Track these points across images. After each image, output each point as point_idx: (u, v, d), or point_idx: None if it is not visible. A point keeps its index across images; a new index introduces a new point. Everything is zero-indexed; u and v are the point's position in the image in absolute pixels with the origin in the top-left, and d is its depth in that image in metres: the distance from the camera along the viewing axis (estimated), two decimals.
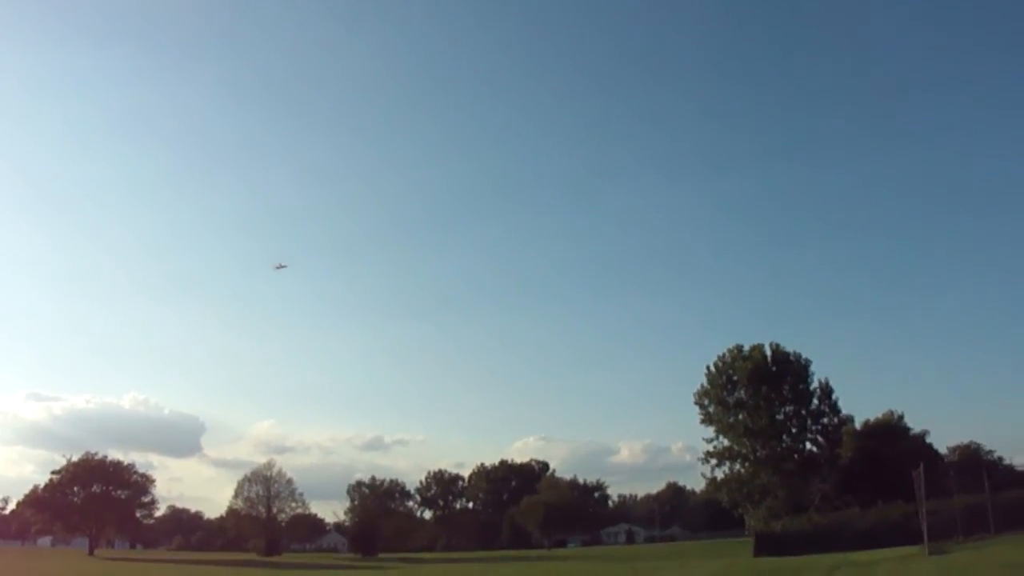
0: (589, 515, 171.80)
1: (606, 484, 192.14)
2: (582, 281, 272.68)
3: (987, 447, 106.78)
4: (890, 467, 68.37)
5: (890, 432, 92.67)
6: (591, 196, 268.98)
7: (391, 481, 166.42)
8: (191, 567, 74.84)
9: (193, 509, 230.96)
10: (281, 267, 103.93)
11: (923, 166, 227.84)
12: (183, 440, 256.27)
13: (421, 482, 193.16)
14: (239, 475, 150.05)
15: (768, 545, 59.49)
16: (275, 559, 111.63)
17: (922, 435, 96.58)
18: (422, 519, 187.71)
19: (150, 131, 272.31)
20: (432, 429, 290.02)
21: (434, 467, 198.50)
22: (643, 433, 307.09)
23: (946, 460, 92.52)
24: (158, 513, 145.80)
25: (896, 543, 46.91)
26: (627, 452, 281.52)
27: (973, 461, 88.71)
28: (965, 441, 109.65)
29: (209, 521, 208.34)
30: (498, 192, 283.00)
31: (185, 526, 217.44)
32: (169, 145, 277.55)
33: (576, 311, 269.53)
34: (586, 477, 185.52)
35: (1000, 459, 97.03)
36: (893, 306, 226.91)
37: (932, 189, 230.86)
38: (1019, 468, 73.86)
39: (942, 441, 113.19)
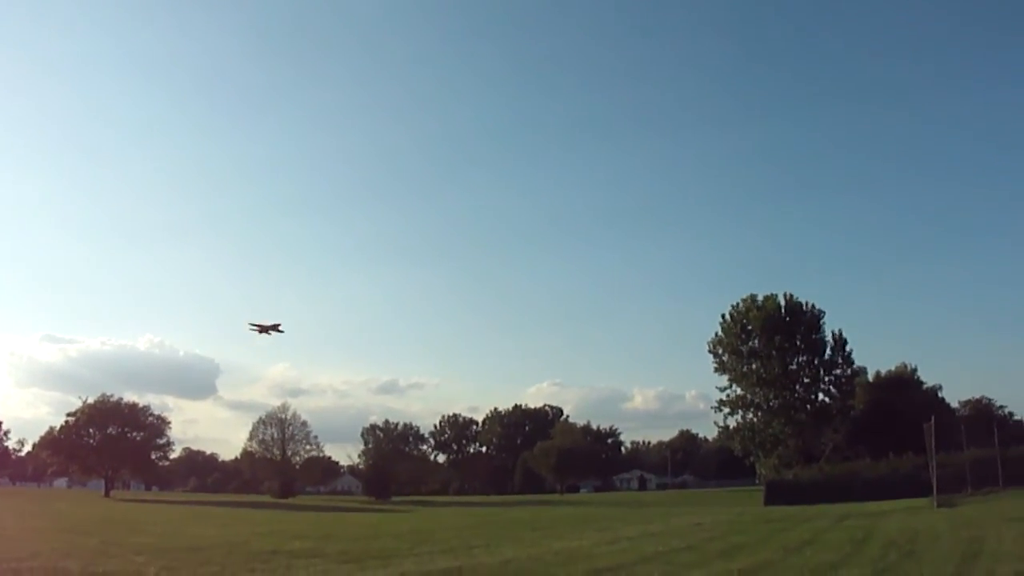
0: (602, 461, 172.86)
1: (619, 430, 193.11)
2: (599, 228, 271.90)
3: (998, 402, 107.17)
4: (902, 420, 68.98)
5: (903, 385, 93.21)
6: (606, 141, 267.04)
7: (405, 425, 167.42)
8: (206, 508, 76.08)
9: (208, 451, 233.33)
10: (267, 330, 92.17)
11: (947, 117, 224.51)
12: (198, 382, 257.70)
13: (435, 426, 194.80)
14: (254, 417, 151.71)
15: (779, 494, 60.30)
16: (289, 501, 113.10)
17: (935, 389, 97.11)
18: (436, 463, 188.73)
19: (169, 72, 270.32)
20: (446, 374, 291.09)
21: (448, 411, 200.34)
22: (657, 380, 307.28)
23: (957, 414, 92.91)
24: (173, 455, 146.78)
25: (906, 495, 47.53)
26: (640, 399, 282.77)
27: (984, 416, 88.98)
28: (977, 396, 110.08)
29: (224, 463, 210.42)
30: (511, 136, 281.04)
31: (200, 468, 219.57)
32: (183, 88, 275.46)
33: (593, 258, 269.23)
34: (599, 423, 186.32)
35: (1011, 414, 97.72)
36: (911, 260, 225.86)
37: (952, 143, 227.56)
38: None
39: (954, 395, 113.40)
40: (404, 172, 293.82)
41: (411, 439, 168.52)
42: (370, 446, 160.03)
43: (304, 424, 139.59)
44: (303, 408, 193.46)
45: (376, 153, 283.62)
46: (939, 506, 38.87)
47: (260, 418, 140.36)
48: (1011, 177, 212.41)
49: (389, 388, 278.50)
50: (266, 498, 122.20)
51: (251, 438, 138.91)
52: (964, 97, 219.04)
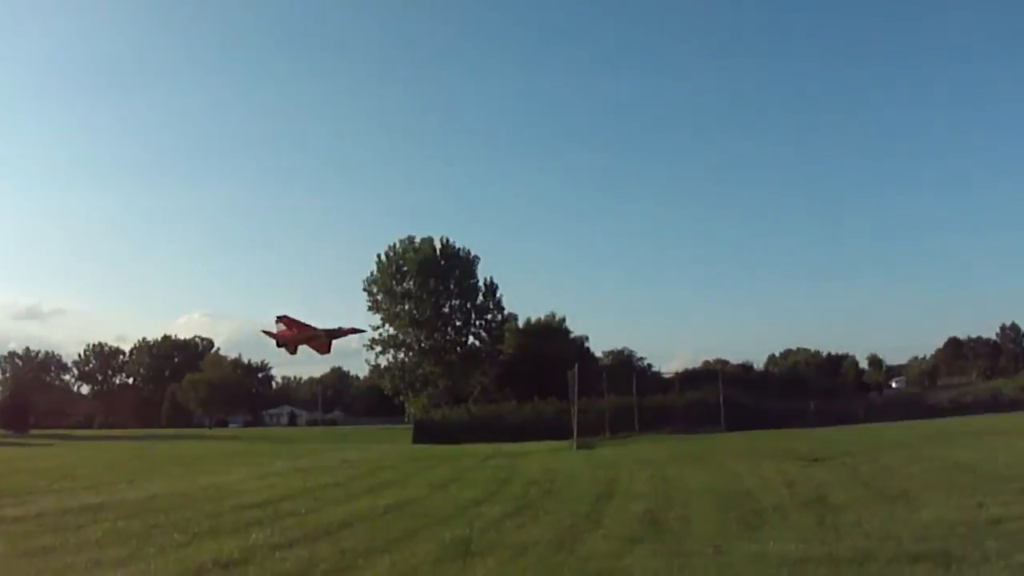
0: (252, 396, 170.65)
1: (270, 365, 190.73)
2: (239, 158, 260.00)
3: (638, 354, 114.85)
4: (549, 366, 72.07)
5: (551, 333, 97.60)
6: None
7: (47, 353, 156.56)
8: None
9: None
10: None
11: (595, 93, 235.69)
12: None
13: (79, 355, 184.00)
14: None
15: (427, 433, 61.43)
16: None
17: (582, 339, 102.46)
18: (79, 394, 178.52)
19: None
20: (94, 299, 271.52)
21: (94, 340, 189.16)
22: (311, 316, 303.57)
23: (600, 363, 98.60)
24: None
25: (549, 437, 49.70)
26: None
27: (625, 366, 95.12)
28: (619, 347, 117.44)
29: None
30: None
31: None
32: None
33: (244, 189, 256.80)
34: (251, 357, 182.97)
35: (649, 366, 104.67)
36: (562, 215, 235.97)
37: (594, 116, 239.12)
38: (665, 375, 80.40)
39: (599, 346, 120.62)
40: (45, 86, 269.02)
41: (53, 369, 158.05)
42: (7, 375, 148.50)
43: None
44: None
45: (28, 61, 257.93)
46: (579, 448, 40.79)
47: None
48: (644, 144, 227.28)
49: (32, 313, 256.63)
50: None
51: None
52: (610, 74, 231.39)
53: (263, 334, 57.13)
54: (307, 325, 51.07)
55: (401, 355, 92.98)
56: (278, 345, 53.26)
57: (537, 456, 36.40)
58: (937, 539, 12.34)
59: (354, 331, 51.50)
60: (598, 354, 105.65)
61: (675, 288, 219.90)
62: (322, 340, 52.55)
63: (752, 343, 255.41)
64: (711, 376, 69.34)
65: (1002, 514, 14.15)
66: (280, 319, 52.77)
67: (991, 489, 17.48)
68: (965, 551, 11.31)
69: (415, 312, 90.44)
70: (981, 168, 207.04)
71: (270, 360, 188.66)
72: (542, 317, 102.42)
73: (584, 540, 13.64)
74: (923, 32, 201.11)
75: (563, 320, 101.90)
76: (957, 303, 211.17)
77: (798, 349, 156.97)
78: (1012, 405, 69.59)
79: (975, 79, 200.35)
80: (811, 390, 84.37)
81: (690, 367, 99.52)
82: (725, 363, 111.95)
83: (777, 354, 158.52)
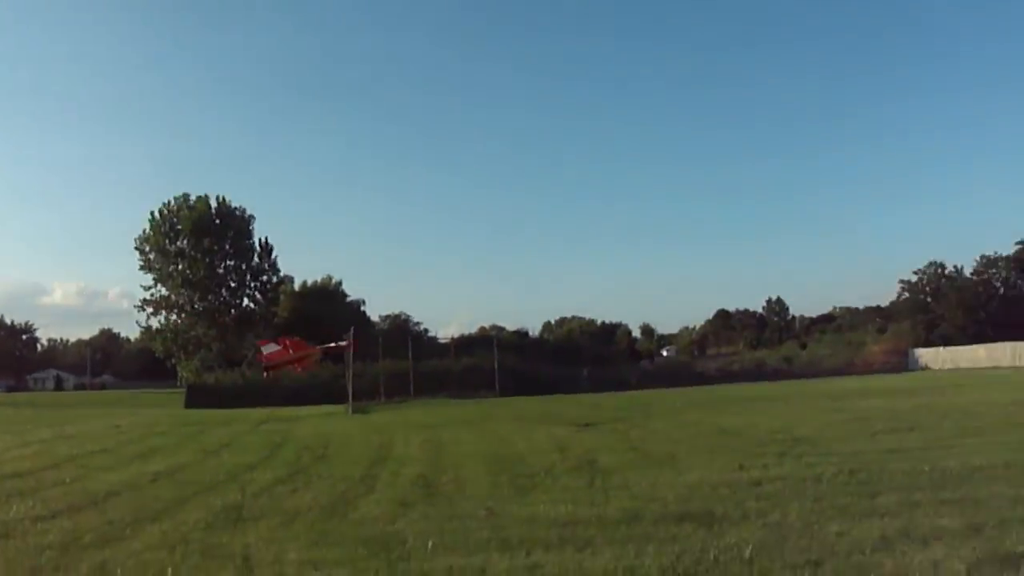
0: (16, 359, 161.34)
1: (35, 327, 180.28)
2: (18, 106, 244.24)
3: (415, 319, 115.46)
4: (324, 329, 71.24)
5: (327, 296, 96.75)
6: None
7: None
8: None
9: None
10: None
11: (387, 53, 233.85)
12: None
13: None
14: None
15: (200, 397, 59.72)
16: None
17: (358, 302, 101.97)
18: None
19: None
20: None
21: None
22: (78, 275, 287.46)
23: (377, 328, 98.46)
24: None
25: (324, 402, 49.26)
26: (60, 294, 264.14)
27: (401, 330, 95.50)
28: (396, 311, 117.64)
29: None
30: None
31: None
32: None
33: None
34: (14, 318, 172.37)
35: (425, 331, 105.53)
36: (351, 180, 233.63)
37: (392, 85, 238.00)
38: (441, 340, 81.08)
39: (376, 310, 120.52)
40: None
41: None
42: None
43: None
44: None
45: None
46: (354, 413, 40.58)
47: None
48: (422, 107, 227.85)
49: None
50: None
51: None
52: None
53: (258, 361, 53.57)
54: (302, 344, 47.31)
55: (174, 317, 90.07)
56: (266, 369, 49.14)
57: (312, 421, 35.92)
58: (700, 500, 12.83)
59: (342, 346, 47.17)
60: (375, 318, 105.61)
61: (454, 254, 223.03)
62: (316, 359, 49.09)
63: (528, 311, 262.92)
64: (487, 342, 70.50)
65: (762, 476, 14.88)
66: (275, 340, 49.08)
67: (752, 452, 18.42)
68: (727, 511, 11.77)
69: (189, 272, 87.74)
70: (737, 147, 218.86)
71: (35, 322, 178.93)
72: (319, 280, 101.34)
73: (357, 505, 13.49)
74: None
75: (340, 283, 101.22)
76: (726, 277, 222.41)
77: (573, 317, 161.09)
78: (775, 374, 74.49)
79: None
80: (585, 357, 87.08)
81: (467, 333, 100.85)
82: (501, 329, 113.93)
83: (553, 321, 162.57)
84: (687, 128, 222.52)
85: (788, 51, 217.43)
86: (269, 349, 46.76)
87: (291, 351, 45.62)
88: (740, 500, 12.62)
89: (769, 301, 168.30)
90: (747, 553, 9.17)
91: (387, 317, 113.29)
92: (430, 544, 10.18)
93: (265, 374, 51.52)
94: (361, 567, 9.07)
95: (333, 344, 48.38)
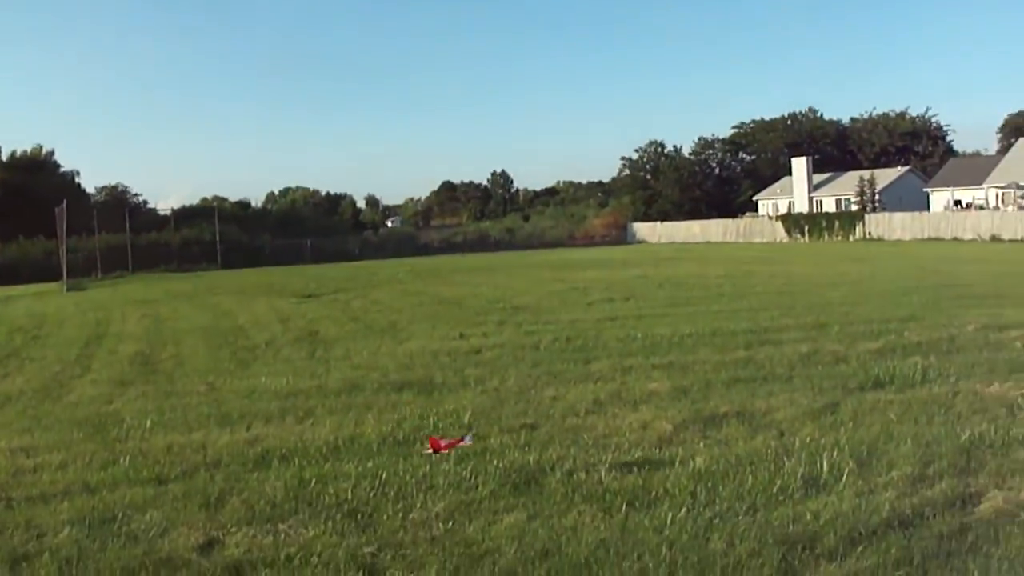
0: None
1: None
2: None
3: (134, 190, 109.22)
4: (36, 203, 66.43)
5: (38, 167, 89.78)
6: None
7: None
8: None
9: None
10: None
11: None
12: None
13: None
14: None
15: None
16: None
17: (72, 174, 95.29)
18: None
19: None
20: None
21: None
22: None
23: (93, 200, 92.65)
24: None
25: (36, 280, 46.35)
26: None
27: (118, 202, 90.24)
28: (113, 183, 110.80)
29: None
30: None
31: None
32: None
33: None
34: None
35: (145, 202, 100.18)
36: (60, 39, 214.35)
37: None
38: (160, 212, 77.38)
39: (91, 182, 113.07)
40: None
41: None
42: None
43: None
44: None
45: None
46: (69, 290, 38.52)
47: None
48: None
49: None
50: None
51: None
52: None
53: None
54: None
55: None
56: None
57: (23, 301, 33.76)
58: (421, 368, 13.13)
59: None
60: (90, 190, 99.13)
61: (173, 122, 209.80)
62: None
63: (251, 181, 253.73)
64: (208, 213, 68.09)
65: (481, 344, 15.33)
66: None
67: (473, 321, 18.99)
68: (446, 378, 12.09)
69: None
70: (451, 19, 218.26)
71: None
72: (28, 150, 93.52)
73: (72, 387, 12.98)
74: None
75: (52, 153, 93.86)
76: (451, 149, 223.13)
77: (297, 188, 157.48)
78: (497, 245, 76.39)
79: None
80: (308, 228, 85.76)
81: (187, 204, 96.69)
82: (224, 200, 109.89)
83: (276, 192, 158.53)
84: None
85: None
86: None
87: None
88: (460, 367, 12.99)
89: (494, 174, 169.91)
90: (466, 418, 9.46)
91: (103, 189, 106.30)
92: (148, 423, 9.98)
93: None
94: (76, 451, 8.76)
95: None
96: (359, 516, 6.36)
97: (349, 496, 6.82)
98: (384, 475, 7.27)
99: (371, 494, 6.85)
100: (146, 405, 11.19)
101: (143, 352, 16.40)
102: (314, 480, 7.26)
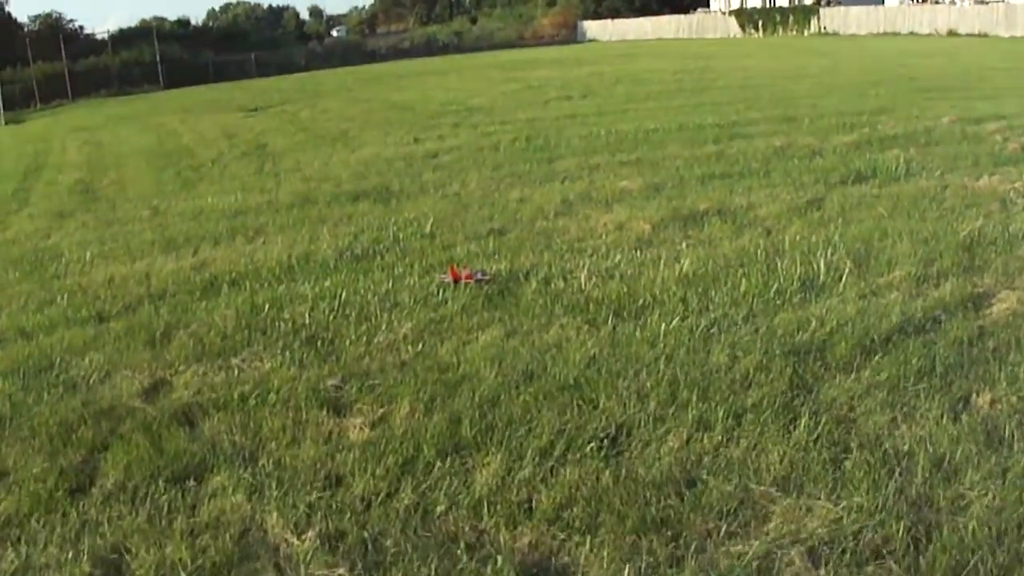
0: None
1: None
2: None
3: (69, 16, 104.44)
4: None
5: None
6: None
7: None
8: None
9: None
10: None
11: None
12: None
13: None
14: None
15: None
16: None
17: (2, 3, 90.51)
18: None
19: None
20: None
21: None
22: None
23: (27, 29, 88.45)
24: None
25: None
26: None
27: (53, 30, 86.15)
28: (47, 11, 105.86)
29: None
30: None
31: None
32: None
33: None
34: None
35: (81, 28, 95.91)
36: None
37: None
38: (98, 36, 73.71)
39: (23, 11, 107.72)
40: None
41: None
42: None
43: None
44: None
45: None
46: (7, 123, 36.81)
47: None
48: None
49: None
50: None
51: None
52: None
53: None
54: None
55: None
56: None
57: None
58: (376, 176, 12.33)
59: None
60: (23, 20, 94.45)
61: None
62: None
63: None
64: (147, 34, 65.03)
65: (438, 147, 14.53)
66: None
67: (427, 125, 18.07)
68: (403, 186, 11.35)
69: None
70: None
71: None
72: None
73: (8, 223, 12.00)
74: None
75: None
76: None
77: (238, 3, 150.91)
78: (445, 49, 73.77)
79: None
80: (252, 42, 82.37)
81: (126, 27, 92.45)
82: (163, 20, 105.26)
83: (217, 8, 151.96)
84: None
85: None
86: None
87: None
88: (417, 173, 12.22)
89: None
90: (428, 227, 8.71)
91: (36, 17, 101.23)
92: (88, 255, 9.09)
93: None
94: (10, 293, 7.89)
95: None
96: (319, 343, 5.65)
97: (307, 320, 6.09)
98: (343, 294, 6.56)
99: (330, 317, 6.13)
100: (86, 236, 10.30)
101: (83, 180, 15.36)
102: (267, 305, 6.50)
